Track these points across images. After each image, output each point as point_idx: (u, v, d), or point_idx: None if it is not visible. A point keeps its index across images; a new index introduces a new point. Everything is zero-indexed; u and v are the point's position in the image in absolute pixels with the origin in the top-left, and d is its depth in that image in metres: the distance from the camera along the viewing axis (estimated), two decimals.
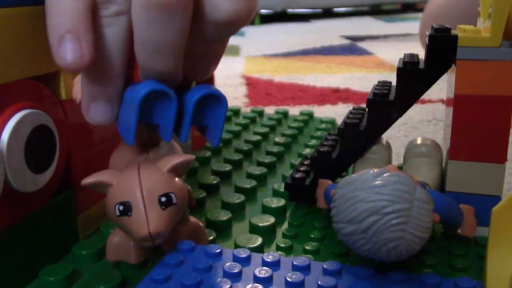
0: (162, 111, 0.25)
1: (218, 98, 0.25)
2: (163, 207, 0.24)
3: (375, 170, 0.24)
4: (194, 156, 0.27)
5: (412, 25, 1.75)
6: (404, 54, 0.32)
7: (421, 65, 0.30)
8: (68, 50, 0.22)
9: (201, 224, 0.29)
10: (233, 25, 0.24)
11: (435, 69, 0.30)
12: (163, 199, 0.24)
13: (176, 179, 0.25)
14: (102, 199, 0.32)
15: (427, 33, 0.30)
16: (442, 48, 0.29)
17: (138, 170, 0.25)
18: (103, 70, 0.24)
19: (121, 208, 0.24)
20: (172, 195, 0.24)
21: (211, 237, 0.30)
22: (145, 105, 0.24)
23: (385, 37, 1.59)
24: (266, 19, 2.18)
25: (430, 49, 0.29)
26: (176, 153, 0.28)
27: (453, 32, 0.30)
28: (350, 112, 0.34)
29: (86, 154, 0.31)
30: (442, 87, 0.33)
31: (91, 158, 0.31)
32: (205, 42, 0.25)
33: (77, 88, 0.27)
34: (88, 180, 0.25)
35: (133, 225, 0.24)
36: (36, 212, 0.27)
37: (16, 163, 0.25)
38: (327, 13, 2.52)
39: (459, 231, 0.29)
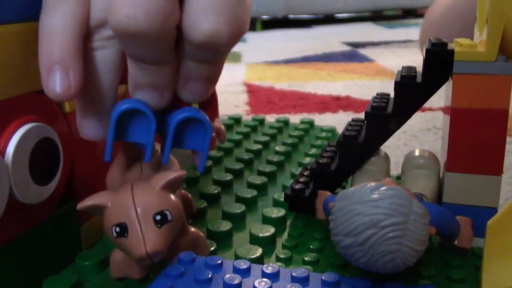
0: (143, 130, 0.25)
1: (202, 123, 0.25)
2: (159, 225, 0.24)
3: (372, 184, 0.24)
4: (185, 171, 0.27)
5: (413, 31, 1.76)
6: (402, 67, 0.33)
7: (419, 79, 0.31)
8: (56, 82, 0.23)
9: (201, 234, 0.29)
10: (214, 46, 0.23)
11: (432, 83, 0.30)
12: (158, 217, 0.24)
13: (171, 195, 0.26)
14: None
15: (425, 47, 0.30)
16: (438, 62, 0.29)
17: (132, 190, 0.25)
18: (94, 89, 0.25)
19: (118, 229, 0.24)
20: (167, 212, 0.25)
21: (212, 248, 0.31)
22: (126, 124, 0.24)
23: (386, 43, 1.59)
24: (268, 25, 2.19)
25: (427, 63, 0.30)
26: (174, 168, 0.28)
27: (450, 46, 0.30)
28: (349, 124, 0.35)
29: (89, 165, 0.31)
30: (442, 95, 0.33)
31: (94, 169, 0.32)
32: (195, 63, 0.24)
33: None
34: (84, 204, 0.25)
35: (131, 245, 0.24)
36: (40, 223, 0.28)
37: (21, 175, 0.25)
38: (329, 19, 2.53)
39: (456, 242, 0.29)
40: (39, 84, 0.27)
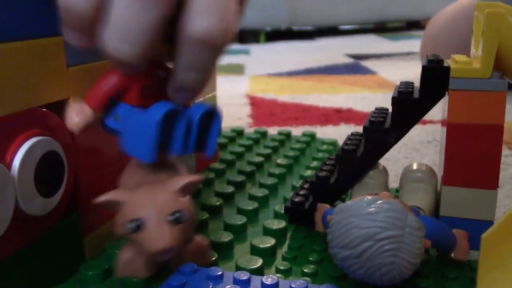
0: (170, 129, 0.27)
1: (213, 113, 0.28)
2: (174, 224, 0.26)
3: (369, 198, 0.25)
4: (202, 177, 0.29)
5: (416, 43, 1.76)
6: (400, 82, 0.33)
7: (416, 94, 0.31)
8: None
9: (206, 242, 0.30)
10: (208, 45, 0.25)
11: (429, 99, 0.31)
12: (174, 216, 0.26)
13: (186, 198, 0.27)
14: (108, 220, 0.34)
15: (422, 63, 0.31)
16: (435, 78, 0.30)
17: (150, 189, 0.26)
18: None
19: (134, 225, 0.25)
20: (182, 213, 0.26)
21: (213, 258, 0.31)
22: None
23: (389, 55, 1.60)
24: (271, 37, 2.20)
25: (423, 79, 0.30)
26: (182, 173, 0.29)
27: (446, 62, 0.31)
28: (348, 138, 0.36)
29: (93, 177, 0.32)
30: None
31: (98, 181, 0.32)
32: (187, 71, 0.26)
33: (70, 119, 0.27)
34: (101, 199, 0.27)
35: (146, 240, 0.25)
36: (45, 234, 0.28)
37: (27, 188, 0.26)
38: (332, 31, 2.55)
39: (452, 255, 0.29)
40: (44, 99, 0.28)
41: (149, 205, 0.26)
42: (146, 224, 0.25)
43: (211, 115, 0.28)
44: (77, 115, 0.27)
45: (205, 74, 0.27)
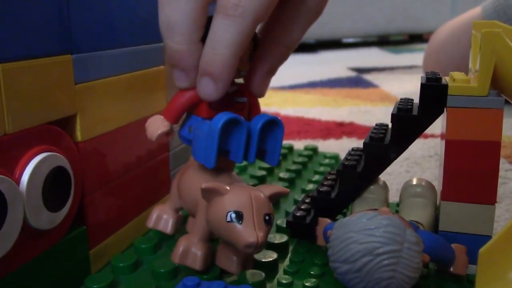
0: (232, 137, 0.29)
1: (276, 123, 0.31)
2: (266, 224, 0.28)
3: (368, 213, 0.25)
4: (289, 190, 0.31)
5: (418, 56, 1.77)
6: (400, 99, 0.34)
7: (415, 111, 0.32)
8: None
9: None
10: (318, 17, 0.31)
11: (428, 116, 0.31)
12: (267, 217, 0.28)
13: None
14: (113, 233, 0.34)
15: (421, 81, 0.32)
16: (433, 96, 0.31)
17: (248, 188, 0.29)
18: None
19: (234, 215, 0.28)
20: (272, 216, 0.29)
21: (216, 273, 0.32)
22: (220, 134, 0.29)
23: (391, 69, 1.61)
24: None
25: (422, 96, 0.31)
26: (237, 180, 0.32)
27: (444, 79, 0.32)
28: (349, 153, 0.36)
29: (99, 192, 0.33)
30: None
31: (104, 195, 0.33)
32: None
33: (152, 128, 0.31)
34: (208, 185, 0.28)
35: (243, 232, 0.27)
36: (51, 247, 0.29)
37: (34, 202, 0.27)
38: (335, 44, 2.56)
39: (451, 269, 0.30)
40: (52, 115, 0.28)
41: (250, 202, 0.28)
42: (246, 217, 0.27)
43: (274, 125, 0.31)
44: (159, 127, 0.30)
45: None
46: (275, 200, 0.30)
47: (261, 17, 0.27)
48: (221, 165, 0.31)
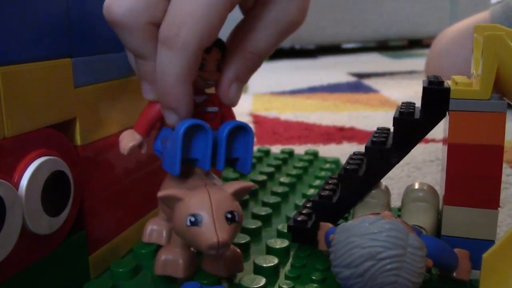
0: (198, 144, 0.29)
1: (245, 129, 0.30)
2: (229, 222, 0.27)
3: (371, 217, 0.25)
4: (253, 184, 0.31)
5: (418, 61, 1.78)
6: (402, 103, 0.34)
7: (417, 115, 0.32)
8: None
9: (238, 250, 0.32)
10: (296, 27, 0.30)
11: (430, 119, 0.31)
12: (229, 215, 0.27)
13: (237, 202, 0.29)
14: (112, 239, 0.34)
15: (423, 84, 0.31)
16: (435, 99, 0.30)
17: (207, 189, 0.28)
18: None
19: (193, 219, 0.27)
20: (236, 213, 0.28)
21: (217, 277, 0.31)
22: (184, 141, 0.28)
23: (391, 74, 1.61)
24: (274, 56, 2.21)
25: (424, 100, 0.31)
26: (213, 183, 0.31)
27: (447, 83, 0.31)
28: (350, 158, 0.36)
29: (99, 196, 0.32)
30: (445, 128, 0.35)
31: (104, 200, 0.33)
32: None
33: (124, 142, 0.31)
34: (163, 193, 0.28)
35: (203, 234, 0.27)
36: (50, 252, 0.29)
37: (33, 207, 0.27)
38: (335, 49, 2.56)
39: (454, 274, 0.30)
40: (51, 119, 0.28)
41: (208, 202, 0.27)
42: (205, 219, 0.27)
43: (243, 131, 0.30)
44: (130, 140, 0.30)
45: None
46: (242, 196, 0.29)
47: (206, 41, 0.27)
48: (197, 171, 0.31)
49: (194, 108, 0.29)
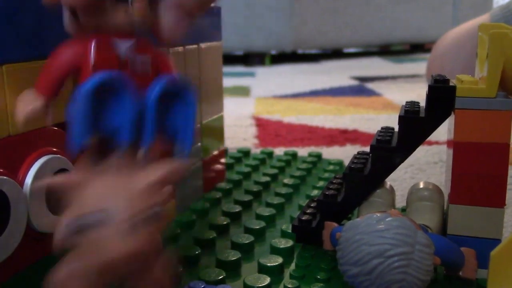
0: (118, 110, 0.22)
1: (183, 92, 0.22)
2: (145, 224, 0.20)
3: (378, 215, 0.25)
4: (187, 164, 0.23)
5: (419, 65, 1.78)
6: (406, 102, 0.34)
7: (422, 113, 0.32)
8: None
9: (167, 277, 0.23)
10: None
11: (435, 118, 0.31)
12: (147, 214, 0.20)
13: (165, 192, 0.22)
14: None
15: (428, 83, 0.31)
16: (441, 98, 0.30)
17: (118, 176, 0.22)
18: None
19: (95, 218, 0.20)
20: (157, 210, 0.21)
21: (221, 277, 0.31)
22: (95, 103, 0.21)
23: (393, 78, 1.61)
24: (276, 60, 2.22)
25: (430, 98, 0.31)
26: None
27: (452, 82, 0.31)
28: (355, 157, 0.36)
29: None
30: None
31: None
32: None
33: (19, 109, 0.23)
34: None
35: (108, 240, 0.20)
36: (53, 251, 0.29)
37: (38, 205, 0.27)
38: (337, 54, 2.56)
39: (461, 273, 0.30)
40: (56, 117, 0.28)
41: (116, 196, 0.20)
42: (110, 220, 0.19)
43: (180, 94, 0.22)
44: (27, 105, 0.22)
45: None
46: (172, 182, 0.22)
47: None
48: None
49: (115, 58, 0.22)
